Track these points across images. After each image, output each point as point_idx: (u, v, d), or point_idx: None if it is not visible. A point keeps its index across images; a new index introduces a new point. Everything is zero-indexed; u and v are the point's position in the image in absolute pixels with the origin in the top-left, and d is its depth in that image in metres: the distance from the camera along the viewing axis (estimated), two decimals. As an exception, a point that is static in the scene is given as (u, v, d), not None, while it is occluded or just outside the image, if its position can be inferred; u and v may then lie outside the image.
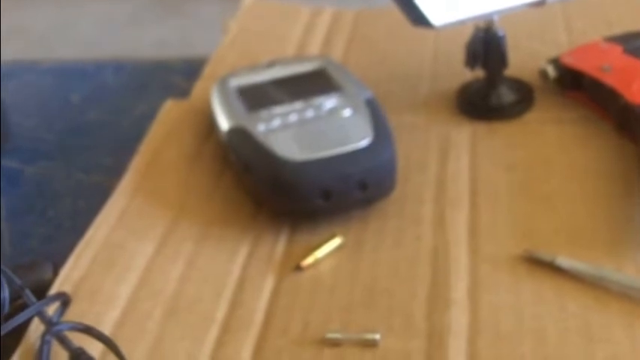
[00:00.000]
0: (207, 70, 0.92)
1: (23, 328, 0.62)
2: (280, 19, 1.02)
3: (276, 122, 0.72)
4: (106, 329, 0.61)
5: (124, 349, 0.59)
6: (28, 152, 0.88)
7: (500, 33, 0.78)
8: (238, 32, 1.00)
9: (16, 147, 0.88)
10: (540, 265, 0.64)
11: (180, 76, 0.98)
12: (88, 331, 0.58)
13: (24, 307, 0.60)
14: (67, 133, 0.91)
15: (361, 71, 0.83)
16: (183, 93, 0.89)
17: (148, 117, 0.85)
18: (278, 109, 0.74)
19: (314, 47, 0.95)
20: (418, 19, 0.74)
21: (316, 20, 1.00)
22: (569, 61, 0.80)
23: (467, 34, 0.80)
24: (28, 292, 0.60)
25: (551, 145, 0.76)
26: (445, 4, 0.73)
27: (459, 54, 0.81)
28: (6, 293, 0.60)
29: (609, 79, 0.76)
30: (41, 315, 0.59)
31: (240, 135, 0.73)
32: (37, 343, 0.59)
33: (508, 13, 0.77)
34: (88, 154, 0.87)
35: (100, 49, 2.65)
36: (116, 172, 0.79)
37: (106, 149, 0.87)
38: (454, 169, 0.75)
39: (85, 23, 2.94)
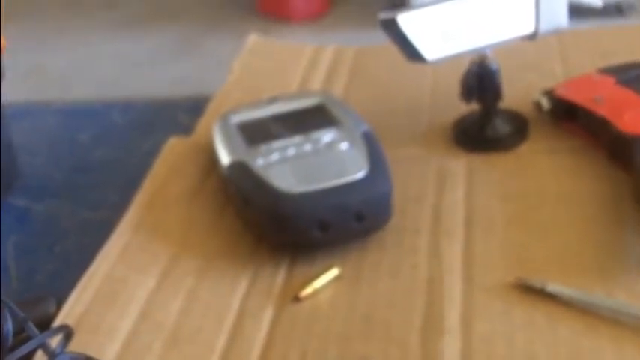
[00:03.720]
0: (210, 107, 0.94)
1: (27, 360, 0.63)
2: (283, 56, 1.04)
3: (275, 156, 0.74)
4: (107, 360, 0.63)
5: (125, 380, 0.60)
6: (36, 190, 0.90)
7: (494, 66, 0.80)
8: (242, 70, 1.02)
9: (25, 185, 0.90)
10: (532, 291, 0.65)
11: (186, 114, 1.00)
12: (88, 361, 0.60)
13: (27, 340, 0.61)
14: (74, 172, 0.92)
15: (361, 105, 0.84)
16: (189, 130, 0.91)
17: (155, 155, 0.87)
18: (277, 144, 0.76)
19: (316, 83, 0.97)
20: (412, 54, 0.76)
21: (318, 57, 1.02)
22: (563, 92, 0.82)
23: (464, 67, 0.81)
24: (30, 324, 0.61)
25: (545, 175, 0.78)
26: (438, 40, 0.75)
27: (456, 87, 0.82)
28: (9, 326, 0.61)
29: (601, 110, 0.77)
30: (44, 347, 0.60)
31: (240, 169, 0.74)
32: (40, 374, 0.61)
33: (501, 47, 0.78)
34: (95, 192, 0.89)
35: (115, 88, 2.67)
36: (123, 209, 0.80)
37: (113, 187, 0.89)
38: (450, 200, 0.76)
39: (101, 63, 2.97)
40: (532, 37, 0.78)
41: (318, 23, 3.06)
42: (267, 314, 0.67)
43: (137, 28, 3.24)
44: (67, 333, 0.63)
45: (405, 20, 0.74)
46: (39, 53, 2.94)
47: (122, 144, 0.96)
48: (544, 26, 0.78)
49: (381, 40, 1.03)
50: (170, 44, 3.08)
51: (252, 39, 1.08)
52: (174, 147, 0.87)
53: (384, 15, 0.75)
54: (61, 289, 0.72)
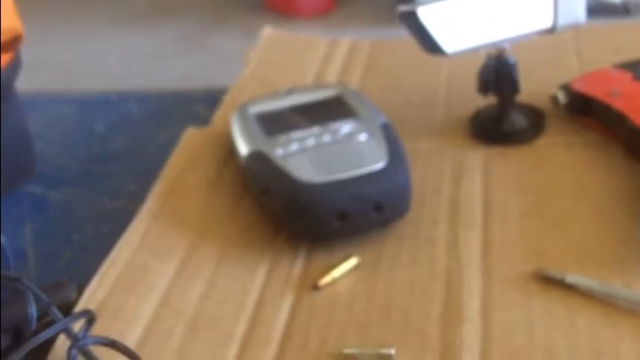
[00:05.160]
0: (227, 99, 0.94)
1: (48, 345, 0.64)
2: (299, 49, 1.04)
3: (294, 146, 0.74)
4: (130, 346, 0.63)
5: (147, 365, 0.61)
6: (53, 178, 0.90)
7: (512, 60, 0.80)
8: (258, 62, 1.02)
9: (41, 173, 0.90)
10: (551, 282, 0.65)
11: (201, 105, 1.00)
12: (113, 345, 0.60)
13: (50, 324, 0.62)
14: (90, 161, 0.93)
15: (377, 99, 0.85)
16: (204, 121, 0.92)
17: (171, 145, 0.88)
18: (296, 134, 0.76)
19: (332, 76, 0.97)
20: (431, 47, 0.77)
21: (334, 50, 1.03)
22: (580, 86, 0.82)
23: (479, 61, 0.82)
24: (54, 309, 0.61)
25: (562, 168, 0.78)
26: (457, 33, 0.76)
27: (472, 81, 0.83)
28: (33, 310, 0.62)
29: (618, 104, 0.78)
30: (67, 331, 0.61)
31: (259, 159, 0.75)
32: (63, 358, 0.61)
33: (519, 41, 0.79)
34: (112, 180, 0.89)
35: (123, 82, 2.68)
36: (139, 197, 0.81)
37: (129, 176, 0.89)
38: (467, 192, 0.76)
39: (107, 58, 2.97)
40: (550, 31, 0.79)
41: (325, 20, 3.07)
42: (287, 302, 0.67)
43: (143, 24, 3.25)
44: (90, 318, 0.64)
45: (425, 13, 0.75)
46: (44, 47, 2.95)
47: (138, 134, 0.97)
48: (562, 21, 0.78)
49: (387, 37, 1.04)
50: (176, 40, 3.09)
51: (267, 32, 1.08)
52: (192, 137, 0.88)
53: (403, 7, 0.76)
54: (79, 276, 0.73)
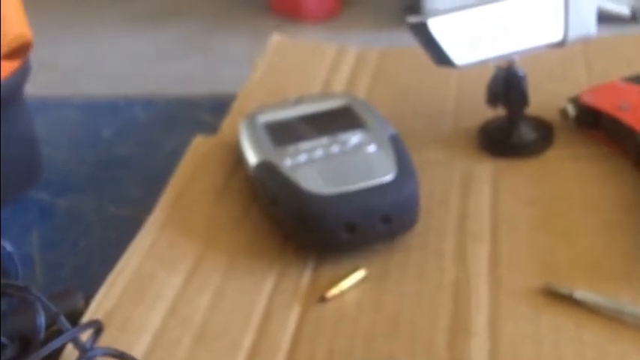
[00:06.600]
0: (235, 107, 0.94)
1: (56, 355, 0.64)
2: (306, 57, 1.04)
3: (303, 157, 0.74)
4: (137, 356, 0.63)
5: (155, 376, 0.61)
6: (60, 185, 0.90)
7: (521, 73, 0.80)
8: (265, 69, 1.02)
9: (48, 180, 0.90)
10: (559, 297, 0.65)
11: (208, 112, 1.00)
12: (122, 356, 0.60)
13: (57, 334, 0.62)
14: (97, 167, 0.93)
15: (385, 108, 0.85)
16: (210, 128, 0.92)
17: (177, 152, 0.88)
18: (304, 145, 0.76)
19: (339, 85, 0.97)
20: (441, 58, 0.76)
21: (341, 59, 1.03)
22: (588, 99, 0.82)
23: (488, 73, 0.82)
24: (63, 318, 0.61)
25: (570, 181, 0.78)
26: (467, 45, 0.76)
27: (481, 92, 0.83)
28: (42, 320, 0.62)
29: (627, 117, 0.78)
30: (76, 341, 0.61)
31: (268, 169, 0.75)
32: (71, 368, 0.61)
33: (529, 54, 0.79)
34: (118, 187, 0.89)
35: (126, 84, 2.68)
36: (145, 205, 0.81)
37: (136, 183, 0.89)
38: (475, 204, 0.76)
39: (110, 60, 2.97)
40: (561, 44, 0.79)
41: (330, 24, 3.07)
42: (294, 313, 0.67)
43: (146, 25, 3.25)
44: (98, 328, 0.64)
45: (436, 24, 0.75)
46: (45, 49, 2.95)
47: (144, 140, 0.97)
48: (573, 33, 0.78)
49: (392, 41, 1.04)
50: (180, 42, 3.09)
51: (275, 38, 1.08)
52: (199, 145, 0.88)
53: (413, 19, 0.76)
54: (85, 283, 0.73)
